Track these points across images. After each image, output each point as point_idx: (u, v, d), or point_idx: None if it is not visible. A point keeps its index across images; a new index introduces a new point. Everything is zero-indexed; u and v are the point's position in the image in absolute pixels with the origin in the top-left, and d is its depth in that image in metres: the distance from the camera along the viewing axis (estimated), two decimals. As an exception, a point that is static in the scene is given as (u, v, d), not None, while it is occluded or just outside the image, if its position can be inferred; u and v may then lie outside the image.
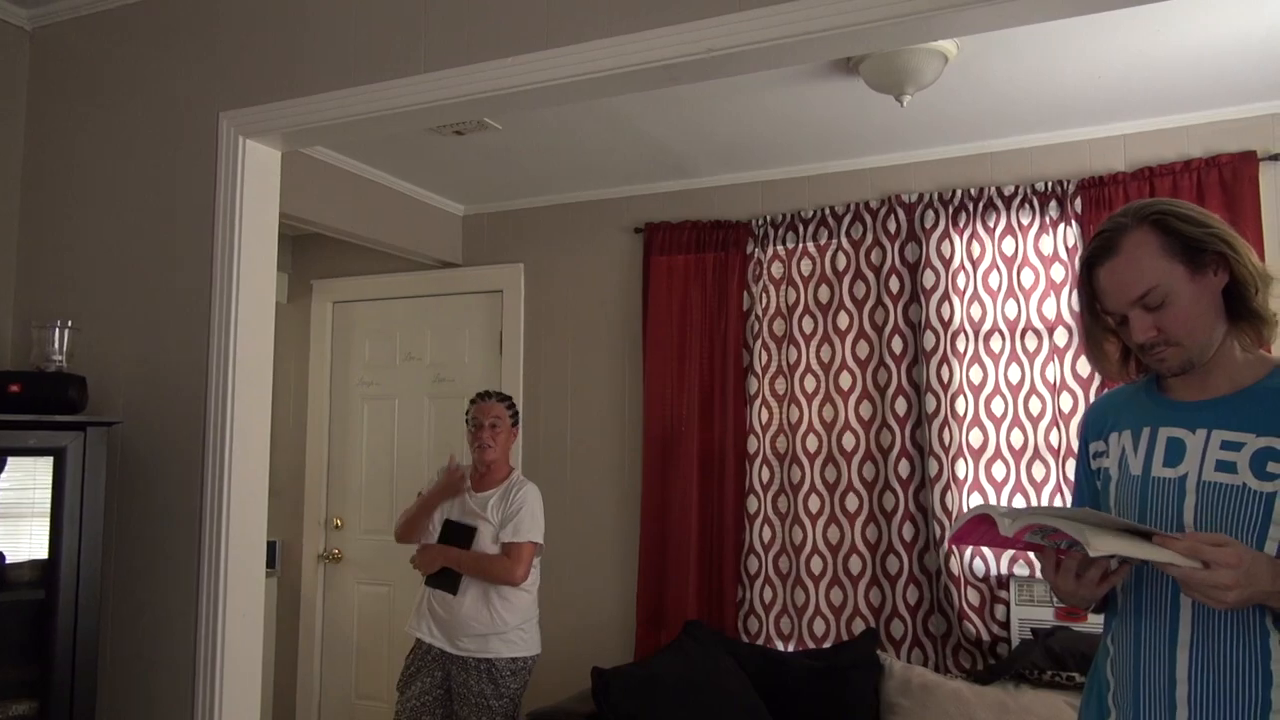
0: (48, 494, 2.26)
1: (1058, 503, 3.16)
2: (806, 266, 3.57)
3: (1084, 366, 3.14)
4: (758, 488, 3.54)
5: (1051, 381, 3.20)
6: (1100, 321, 1.50)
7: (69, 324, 2.45)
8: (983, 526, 1.34)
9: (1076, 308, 1.49)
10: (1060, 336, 3.19)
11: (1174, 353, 1.40)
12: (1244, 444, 1.35)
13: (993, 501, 3.25)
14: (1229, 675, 1.32)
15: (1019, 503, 3.21)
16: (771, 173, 3.68)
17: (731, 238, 3.66)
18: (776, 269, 3.62)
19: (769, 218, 3.62)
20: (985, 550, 3.24)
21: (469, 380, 4.10)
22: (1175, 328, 1.38)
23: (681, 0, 1.95)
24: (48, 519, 2.25)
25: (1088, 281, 1.47)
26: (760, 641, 3.46)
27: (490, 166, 3.68)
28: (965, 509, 3.27)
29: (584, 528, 3.86)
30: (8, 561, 2.34)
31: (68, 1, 2.68)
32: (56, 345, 2.41)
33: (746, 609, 3.50)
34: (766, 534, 3.53)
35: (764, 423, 3.57)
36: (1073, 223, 3.18)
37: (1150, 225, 1.40)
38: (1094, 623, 2.96)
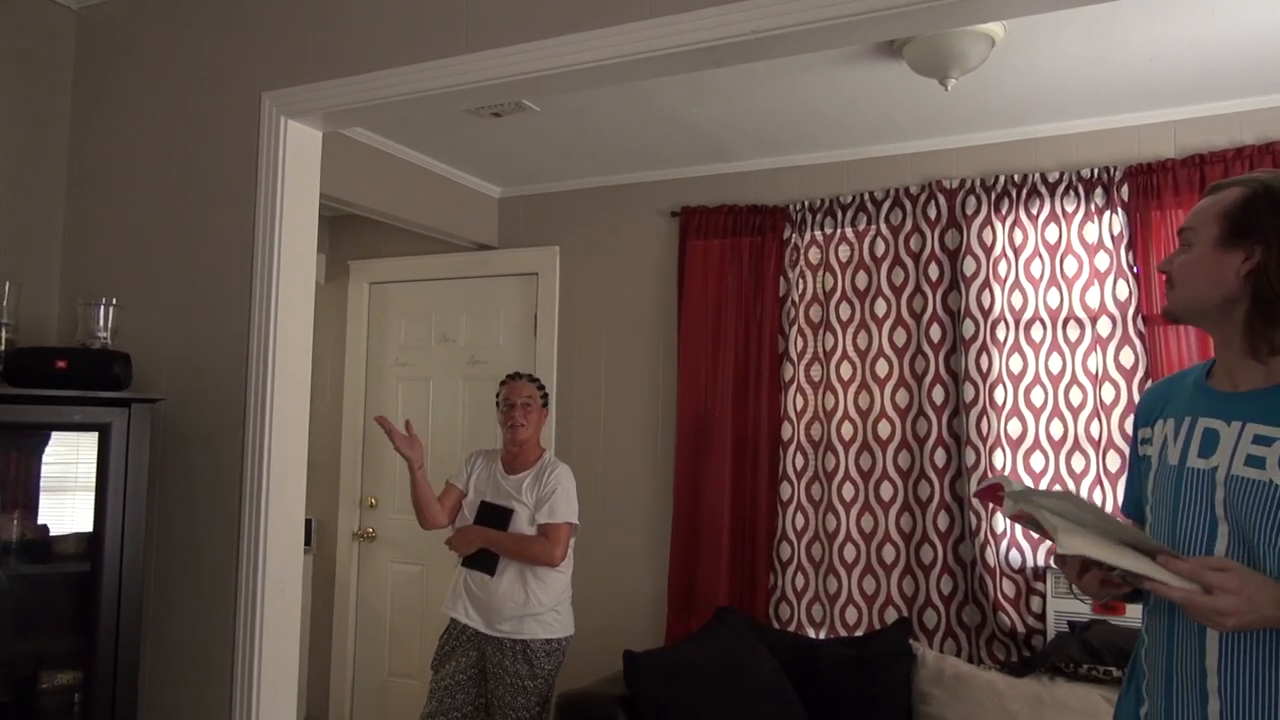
0: (91, 468, 2.30)
1: (1097, 496, 3.11)
2: (844, 252, 3.54)
3: (1127, 357, 3.09)
4: (791, 475, 3.52)
5: (1093, 372, 3.15)
6: None
7: (113, 302, 2.48)
8: (999, 493, 1.39)
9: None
10: (1103, 326, 3.14)
11: (1171, 296, 1.49)
12: (1276, 439, 1.32)
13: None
14: (1260, 664, 1.30)
15: (1058, 494, 3.17)
16: (810, 157, 3.64)
17: (769, 222, 3.63)
18: (814, 254, 3.59)
19: (807, 203, 3.58)
20: (1021, 541, 3.21)
21: (503, 362, 4.11)
22: (1178, 270, 1.46)
23: (726, -19, 1.93)
24: (91, 493, 2.29)
25: None
26: (792, 629, 3.45)
27: (527, 149, 3.68)
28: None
29: (617, 511, 3.87)
30: (52, 534, 2.39)
31: (113, -19, 2.71)
32: (101, 323, 2.45)
33: (778, 596, 3.50)
34: (799, 521, 3.51)
35: (799, 409, 3.55)
36: (1119, 210, 3.11)
37: (1250, 187, 1.42)
38: (1132, 616, 2.92)
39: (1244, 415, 1.37)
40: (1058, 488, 3.17)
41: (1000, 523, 3.21)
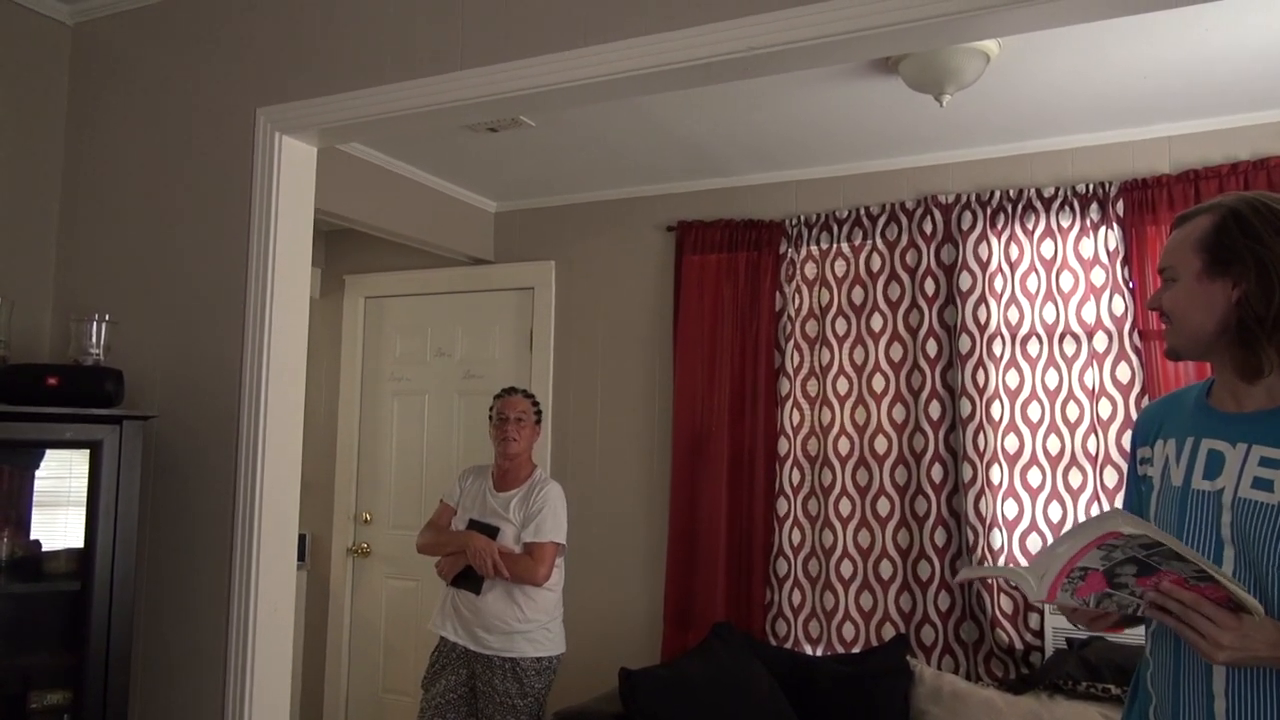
0: (84, 484, 2.28)
1: (1094, 511, 3.10)
2: (840, 267, 3.54)
3: (1124, 372, 3.08)
4: (788, 490, 3.51)
5: (1090, 387, 3.15)
6: None
7: (106, 318, 2.47)
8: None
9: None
10: (1100, 341, 3.13)
11: (1169, 333, 1.48)
12: None
13: (1028, 510, 3.20)
14: (1267, 690, 1.29)
15: (1054, 511, 3.16)
16: (806, 172, 3.64)
17: (765, 237, 3.63)
18: (810, 269, 3.59)
19: (803, 217, 3.58)
20: (1019, 558, 3.20)
21: (499, 377, 4.10)
22: (1171, 307, 1.46)
23: (721, -2, 1.93)
24: (83, 508, 2.27)
25: None
26: (788, 645, 3.43)
27: (523, 163, 3.68)
28: (999, 514, 3.21)
29: (612, 527, 3.85)
30: (44, 549, 2.37)
31: (109, -3, 2.70)
32: (94, 339, 2.43)
33: (775, 612, 3.48)
34: (796, 536, 3.50)
35: (795, 424, 3.54)
36: (1114, 225, 3.11)
37: (1217, 214, 1.42)
38: (1130, 634, 2.89)
39: (1249, 437, 1.36)
40: (1055, 509, 3.16)
41: (997, 538, 3.20)
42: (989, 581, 3.17)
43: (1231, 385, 1.42)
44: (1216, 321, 1.39)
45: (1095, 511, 3.10)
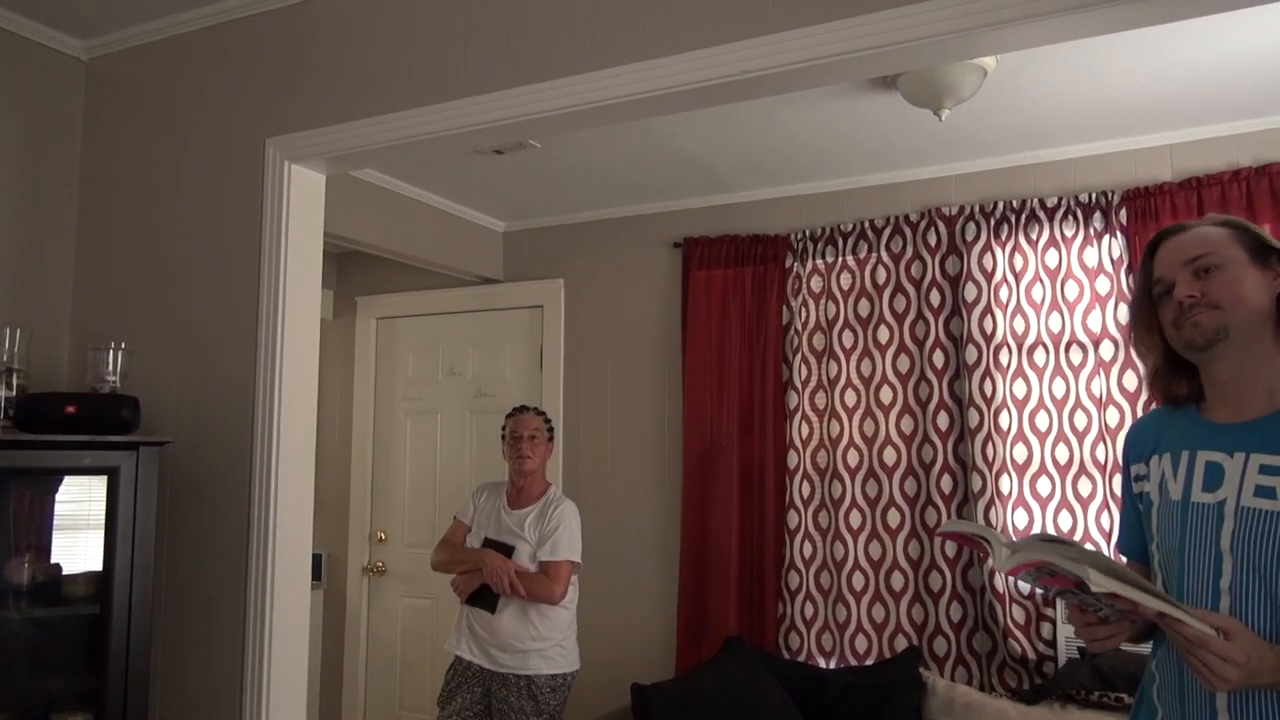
0: (102, 507, 2.32)
1: (1104, 520, 3.10)
2: (846, 280, 3.56)
3: (1130, 380, 3.09)
4: (798, 503, 3.52)
5: (1097, 395, 3.15)
6: (1154, 318, 1.50)
7: (122, 346, 2.51)
8: (977, 543, 1.35)
9: (1131, 294, 1.48)
10: (1106, 350, 3.14)
11: (1211, 316, 1.39)
12: None
13: (1039, 520, 3.20)
14: (1269, 707, 1.30)
15: (1064, 520, 3.16)
16: (810, 186, 3.67)
17: (770, 252, 3.66)
18: (816, 283, 3.61)
19: (808, 231, 3.61)
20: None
21: (510, 395, 4.14)
22: (1219, 291, 1.40)
23: (716, 23, 1.97)
24: (102, 531, 2.31)
25: (1149, 259, 1.51)
26: (801, 658, 3.44)
27: (530, 184, 3.72)
28: (1010, 524, 3.22)
29: (624, 543, 3.87)
30: (65, 573, 2.41)
31: (121, 32, 2.76)
32: (110, 367, 2.48)
33: (787, 625, 3.49)
34: (807, 549, 3.51)
35: (804, 437, 3.56)
36: (1118, 234, 3.13)
37: (1224, 224, 1.46)
38: (1144, 645, 2.89)
39: (1246, 446, 1.36)
40: (1066, 519, 3.16)
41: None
42: (1000, 591, 3.17)
43: (1229, 393, 1.42)
44: (1262, 307, 1.39)
45: (1105, 521, 3.10)
